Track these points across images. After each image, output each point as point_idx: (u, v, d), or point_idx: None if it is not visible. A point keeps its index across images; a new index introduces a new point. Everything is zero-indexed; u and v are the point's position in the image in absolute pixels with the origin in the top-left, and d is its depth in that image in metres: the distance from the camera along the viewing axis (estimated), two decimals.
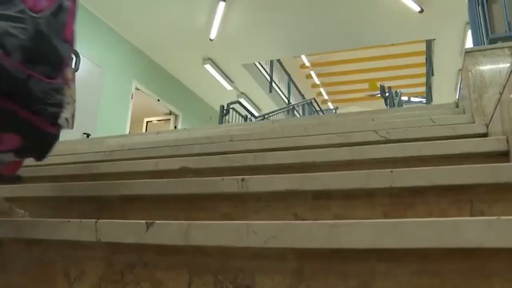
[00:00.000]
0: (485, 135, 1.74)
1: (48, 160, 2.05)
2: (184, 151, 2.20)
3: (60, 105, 1.08)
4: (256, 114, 9.29)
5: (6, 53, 0.91)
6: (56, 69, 1.06)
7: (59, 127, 1.09)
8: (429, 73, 8.81)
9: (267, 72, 10.50)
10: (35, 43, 0.98)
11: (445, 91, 9.23)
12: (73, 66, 1.15)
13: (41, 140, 1.09)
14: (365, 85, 12.64)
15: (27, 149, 1.09)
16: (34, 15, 0.98)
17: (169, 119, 9.12)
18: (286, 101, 11.41)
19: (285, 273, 0.90)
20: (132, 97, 7.43)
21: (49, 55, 1.04)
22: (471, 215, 1.12)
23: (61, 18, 1.07)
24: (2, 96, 0.94)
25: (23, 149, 1.08)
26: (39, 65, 1.00)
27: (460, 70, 3.13)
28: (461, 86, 2.64)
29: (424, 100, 10.15)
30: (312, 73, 13.61)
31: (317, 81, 14.05)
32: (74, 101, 1.15)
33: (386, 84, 8.63)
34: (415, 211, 1.18)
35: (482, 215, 1.11)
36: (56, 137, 1.11)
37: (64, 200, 1.69)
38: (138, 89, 7.63)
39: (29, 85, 0.97)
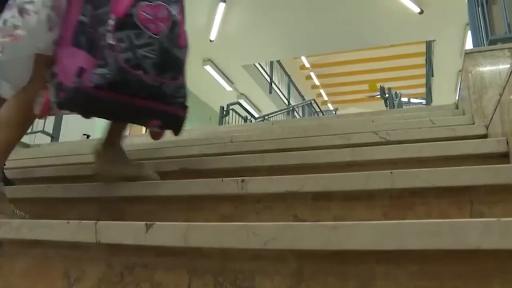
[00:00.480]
0: (485, 136, 1.75)
1: (47, 161, 2.07)
2: (184, 152, 2.20)
3: (184, 96, 1.47)
4: (256, 115, 9.30)
5: (145, 72, 1.28)
6: (178, 71, 1.40)
7: (186, 110, 1.49)
8: (429, 74, 8.82)
9: (267, 73, 10.50)
10: (162, 58, 1.31)
11: (445, 92, 9.23)
12: None
13: (175, 121, 1.50)
14: (365, 86, 12.63)
15: (166, 126, 1.52)
16: (157, 37, 1.31)
17: None
18: (286, 102, 11.41)
19: (285, 274, 0.90)
20: None
21: (172, 63, 1.37)
22: (471, 217, 1.12)
23: (176, 31, 1.37)
24: (146, 99, 1.32)
25: (163, 127, 1.52)
26: (167, 72, 1.34)
27: (460, 71, 3.13)
28: (461, 87, 2.65)
29: (424, 101, 10.15)
30: (312, 74, 13.62)
31: (317, 82, 14.05)
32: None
33: (386, 85, 8.65)
34: (415, 212, 1.18)
35: (482, 216, 1.11)
36: (185, 117, 1.51)
37: (63, 201, 1.69)
38: None
39: (163, 89, 1.34)
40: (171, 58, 1.35)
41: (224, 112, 7.53)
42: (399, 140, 1.80)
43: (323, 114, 11.98)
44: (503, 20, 2.76)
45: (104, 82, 1.23)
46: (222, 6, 7.01)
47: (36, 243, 1.18)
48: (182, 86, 1.44)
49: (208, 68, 8.76)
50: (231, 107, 7.73)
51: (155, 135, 1.59)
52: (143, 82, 1.28)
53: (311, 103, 12.02)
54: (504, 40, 2.57)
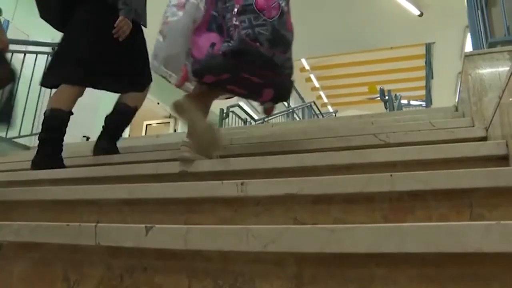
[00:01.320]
0: (484, 138, 1.75)
1: None
2: None
3: (291, 67, 1.87)
4: (256, 117, 9.29)
5: (260, 44, 1.68)
6: (286, 47, 1.80)
7: (292, 82, 1.92)
8: (429, 76, 8.82)
9: None
10: (273, 35, 1.71)
11: (445, 95, 9.24)
12: None
13: (284, 91, 1.92)
14: (365, 89, 12.63)
15: (277, 97, 1.91)
16: (270, 20, 1.72)
17: (169, 122, 9.11)
18: (286, 104, 11.41)
19: (284, 278, 0.90)
20: None
21: (281, 40, 1.77)
22: (471, 220, 1.12)
23: (284, 17, 1.78)
24: (261, 68, 1.73)
25: (274, 98, 1.91)
26: (278, 46, 1.74)
27: (459, 73, 3.13)
28: (461, 89, 2.65)
29: (423, 103, 10.15)
30: (312, 76, 13.61)
31: (316, 84, 14.04)
32: None
33: (386, 87, 8.65)
34: (414, 215, 1.18)
35: (482, 219, 1.11)
36: (292, 88, 1.93)
37: (63, 204, 1.68)
38: None
39: (274, 59, 1.74)
40: (280, 37, 1.75)
41: (224, 115, 7.52)
42: (399, 142, 1.80)
43: (323, 116, 11.98)
44: (502, 23, 2.77)
45: (229, 50, 1.67)
46: None
47: (36, 246, 1.18)
48: (290, 59, 1.83)
49: None
50: (230, 109, 7.72)
51: (268, 111, 2.07)
52: (259, 52, 1.68)
53: (311, 105, 12.02)
54: (503, 43, 2.56)
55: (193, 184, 1.50)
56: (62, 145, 2.30)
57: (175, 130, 8.90)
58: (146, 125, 9.63)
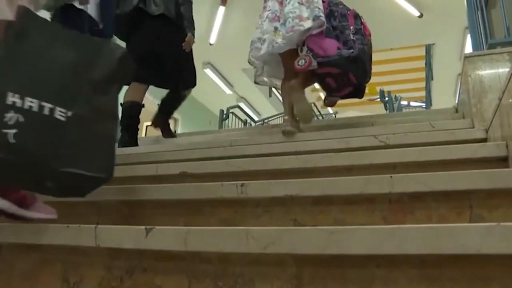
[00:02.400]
0: (484, 140, 1.75)
1: None
2: (183, 156, 2.20)
3: (370, 76, 2.63)
4: (256, 118, 9.29)
5: (364, 56, 2.43)
6: (371, 62, 2.57)
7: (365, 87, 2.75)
8: (429, 77, 8.81)
9: None
10: (369, 52, 2.54)
11: (445, 96, 9.23)
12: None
13: (360, 91, 2.72)
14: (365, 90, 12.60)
15: (352, 94, 2.71)
16: (368, 40, 2.52)
17: (169, 123, 9.10)
18: None
19: (284, 279, 0.90)
20: None
21: (371, 56, 2.56)
22: (471, 221, 1.12)
23: (370, 40, 2.59)
24: (360, 72, 2.49)
25: (350, 94, 2.70)
26: (370, 61, 2.53)
27: (459, 75, 3.14)
28: (461, 91, 2.65)
29: (423, 104, 10.14)
30: None
31: (316, 86, 14.05)
32: None
33: (386, 88, 8.64)
34: (414, 216, 1.18)
35: (482, 221, 1.11)
36: (364, 90, 2.77)
37: (63, 205, 1.68)
38: None
39: (366, 69, 2.50)
40: (371, 54, 2.56)
41: (224, 116, 7.52)
42: (399, 144, 1.80)
43: (322, 118, 11.98)
44: (502, 24, 2.77)
45: (352, 55, 2.35)
46: (222, 9, 7.02)
47: (36, 247, 1.18)
48: (369, 72, 2.58)
49: (208, 71, 8.76)
50: (231, 111, 7.73)
51: (332, 103, 2.90)
52: (363, 61, 2.42)
53: None
54: (503, 44, 2.56)
55: (193, 185, 1.50)
56: (138, 129, 3.04)
57: (175, 131, 8.89)
58: (146, 126, 9.62)
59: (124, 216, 1.55)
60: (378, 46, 8.32)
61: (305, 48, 2.51)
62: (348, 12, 2.57)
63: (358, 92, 2.68)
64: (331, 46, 2.41)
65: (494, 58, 2.14)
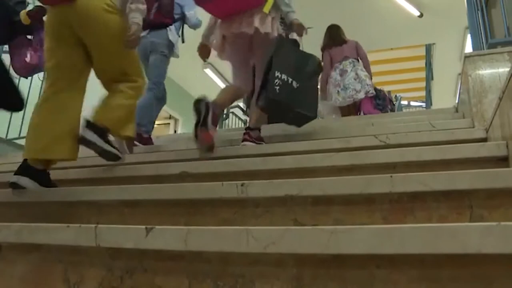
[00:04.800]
0: (484, 140, 1.74)
1: None
2: (183, 156, 2.20)
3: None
4: None
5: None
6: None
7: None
8: (429, 77, 8.80)
9: None
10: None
11: (445, 96, 9.23)
12: None
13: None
14: None
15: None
16: None
17: (169, 124, 9.10)
18: None
19: (284, 279, 0.89)
20: None
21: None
22: (471, 221, 1.12)
23: None
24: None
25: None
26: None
27: (459, 74, 3.13)
28: (461, 90, 2.65)
29: (423, 104, 10.13)
30: None
31: None
32: None
33: (386, 88, 8.63)
34: (414, 216, 1.18)
35: (482, 220, 1.11)
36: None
37: (63, 205, 1.68)
38: None
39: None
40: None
41: (224, 116, 7.51)
42: (399, 143, 1.80)
43: (323, 118, 11.96)
44: (502, 24, 2.76)
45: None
46: None
47: (36, 247, 1.18)
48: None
49: (208, 71, 8.76)
50: (231, 111, 7.72)
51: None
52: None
53: None
54: (503, 44, 2.56)
55: (193, 185, 1.50)
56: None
57: (175, 131, 8.90)
58: None
59: (124, 216, 1.55)
60: (378, 46, 8.33)
61: None
62: None
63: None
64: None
65: (494, 58, 2.14)
